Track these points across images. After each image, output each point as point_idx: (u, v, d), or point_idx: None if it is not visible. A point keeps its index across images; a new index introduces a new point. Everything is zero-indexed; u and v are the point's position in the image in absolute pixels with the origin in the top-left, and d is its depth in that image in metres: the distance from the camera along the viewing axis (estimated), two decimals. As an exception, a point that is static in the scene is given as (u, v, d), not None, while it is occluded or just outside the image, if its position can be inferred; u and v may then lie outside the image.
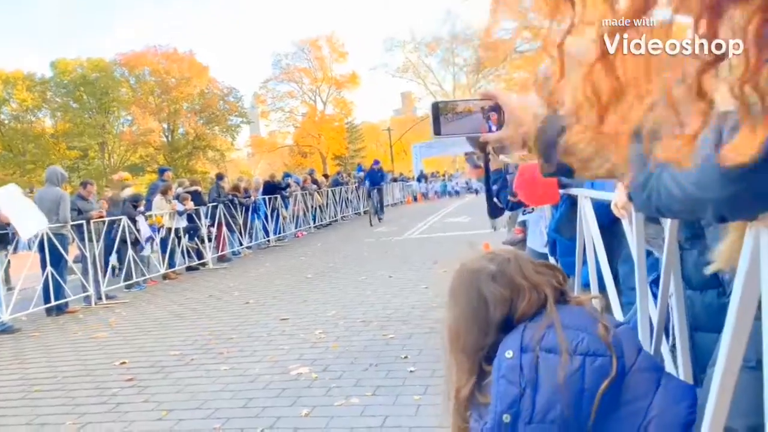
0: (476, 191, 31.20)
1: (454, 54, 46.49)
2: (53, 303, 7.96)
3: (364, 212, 19.94)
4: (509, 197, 3.01)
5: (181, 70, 44.80)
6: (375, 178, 19.20)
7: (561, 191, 2.44)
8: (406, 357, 4.58)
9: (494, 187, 3.14)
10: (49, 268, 7.89)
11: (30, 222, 7.52)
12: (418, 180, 35.45)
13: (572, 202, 2.36)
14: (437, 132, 1.21)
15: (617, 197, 1.57)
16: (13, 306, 7.38)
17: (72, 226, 8.44)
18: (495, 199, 3.22)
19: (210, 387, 4.41)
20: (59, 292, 8.08)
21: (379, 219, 18.43)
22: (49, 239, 7.87)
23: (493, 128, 1.20)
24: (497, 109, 1.19)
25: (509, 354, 1.09)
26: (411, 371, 4.24)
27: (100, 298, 8.71)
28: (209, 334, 6.08)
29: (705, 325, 1.34)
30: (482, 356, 1.18)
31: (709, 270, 1.06)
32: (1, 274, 7.39)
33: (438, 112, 1.22)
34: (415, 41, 46.47)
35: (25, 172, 36.77)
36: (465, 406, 1.20)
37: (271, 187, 15.12)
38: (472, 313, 1.20)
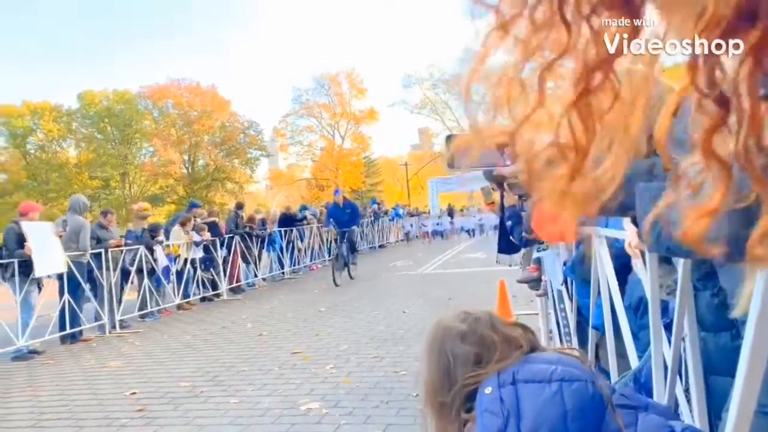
0: (470, 232, 27.02)
1: (472, 91, 46.98)
2: (68, 331, 8.02)
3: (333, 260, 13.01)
4: (524, 234, 3.00)
5: (204, 103, 45.81)
6: (340, 216, 12.79)
7: (579, 228, 2.42)
8: (417, 395, 4.51)
9: (508, 224, 3.13)
10: (66, 296, 7.99)
11: (49, 262, 7.68)
12: (449, 214, 31.70)
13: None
14: (452, 165, 1.20)
15: (630, 236, 1.55)
16: (29, 333, 7.44)
17: (91, 254, 8.56)
18: (510, 236, 3.20)
19: (219, 420, 4.37)
20: (75, 320, 8.14)
21: (350, 275, 12.73)
22: (68, 267, 7.99)
23: (508, 162, 1.19)
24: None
25: (488, 390, 1.12)
26: (422, 409, 4.16)
27: (114, 327, 8.75)
28: (220, 365, 6.05)
29: (719, 368, 1.30)
30: (457, 410, 1.22)
31: (736, 314, 1.04)
32: (20, 300, 7.47)
33: (453, 144, 1.22)
34: (434, 78, 47.13)
35: (48, 201, 37.48)
36: None
37: (287, 220, 15.21)
38: (442, 371, 1.26)
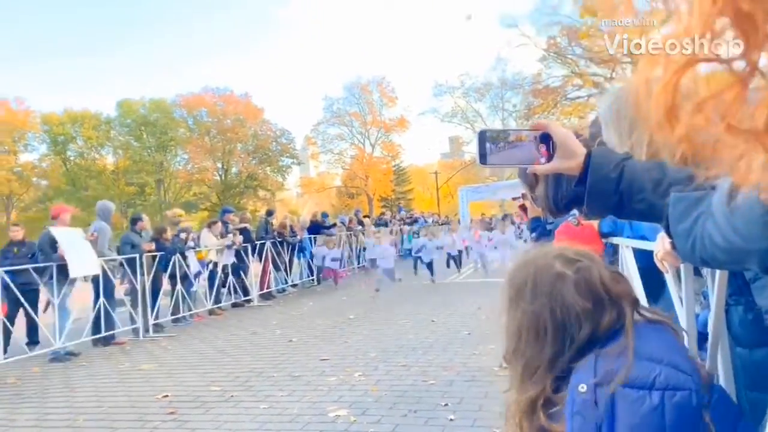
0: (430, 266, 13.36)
1: (503, 99, 46.73)
2: (103, 333, 8.21)
3: None
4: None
5: (237, 111, 46.59)
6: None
7: (603, 241, 2.38)
8: (446, 404, 4.48)
9: (533, 235, 3.10)
10: (101, 299, 8.19)
11: (82, 264, 7.86)
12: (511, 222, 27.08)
13: (615, 252, 2.31)
14: (483, 161, 1.15)
15: (658, 248, 1.51)
16: (66, 335, 7.64)
17: (126, 259, 8.77)
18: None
19: (248, 425, 4.41)
20: (109, 323, 8.34)
21: None
22: (104, 272, 8.20)
23: (542, 160, 1.16)
24: (547, 139, 1.15)
25: (583, 389, 1.01)
26: (450, 420, 4.14)
27: (147, 331, 8.91)
28: (251, 371, 6.11)
29: (759, 384, 1.27)
30: (547, 372, 1.09)
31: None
32: (57, 303, 7.68)
33: (485, 140, 1.15)
34: (465, 87, 46.97)
35: (86, 206, 38.42)
36: (520, 418, 1.11)
37: (316, 227, 15.30)
38: (554, 325, 1.08)
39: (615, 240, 2.25)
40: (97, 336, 8.21)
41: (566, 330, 1.08)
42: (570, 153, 1.14)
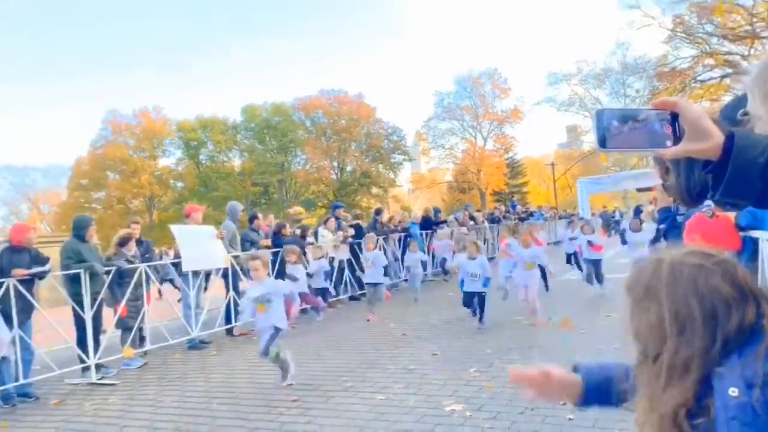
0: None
1: (625, 85, 44.09)
2: (233, 324, 8.84)
3: None
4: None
5: (351, 111, 47.98)
6: None
7: (741, 234, 2.19)
8: (564, 404, 4.34)
9: (661, 227, 2.93)
10: (231, 293, 8.81)
11: (197, 259, 8.33)
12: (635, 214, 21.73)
13: (756, 246, 2.12)
14: (603, 145, 1.05)
15: None
16: (201, 325, 8.31)
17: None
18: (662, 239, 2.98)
19: (366, 414, 4.56)
20: (238, 315, 8.96)
21: None
22: (233, 267, 8.82)
23: (669, 143, 1.05)
24: (674, 119, 1.04)
25: (734, 392, 0.95)
26: (570, 419, 4.02)
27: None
28: (367, 363, 6.30)
29: None
30: (699, 370, 1.00)
31: None
32: (194, 296, 8.36)
33: (604, 121, 1.05)
34: (582, 74, 44.85)
35: (217, 206, 41.43)
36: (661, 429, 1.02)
37: (428, 223, 15.36)
38: (703, 312, 1.00)
39: (755, 233, 2.06)
40: (229, 326, 8.85)
41: (717, 317, 0.99)
42: (702, 134, 1.02)
